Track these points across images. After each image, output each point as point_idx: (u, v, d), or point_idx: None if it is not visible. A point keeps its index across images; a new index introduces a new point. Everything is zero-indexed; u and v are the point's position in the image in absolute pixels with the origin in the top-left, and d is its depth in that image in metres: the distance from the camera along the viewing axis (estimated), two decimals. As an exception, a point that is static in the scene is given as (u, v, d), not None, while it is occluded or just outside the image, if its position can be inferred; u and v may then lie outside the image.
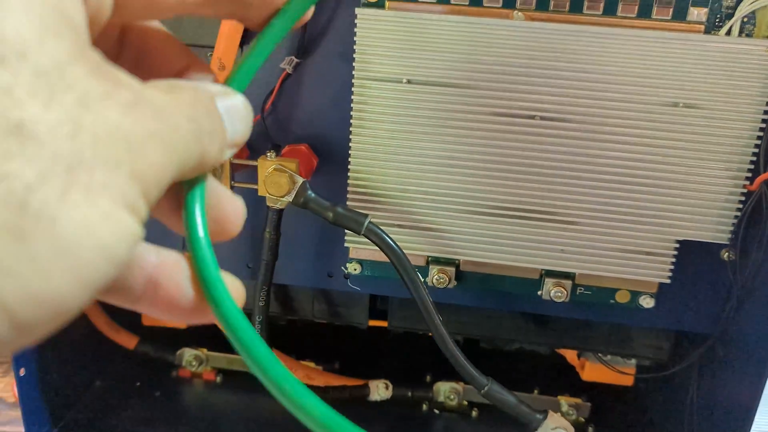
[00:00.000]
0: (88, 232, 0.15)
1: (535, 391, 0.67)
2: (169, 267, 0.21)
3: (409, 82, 0.48)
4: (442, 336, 0.49)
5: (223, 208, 0.23)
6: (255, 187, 0.50)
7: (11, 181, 0.14)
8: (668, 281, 0.51)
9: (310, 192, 0.48)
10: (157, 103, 0.17)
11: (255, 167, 0.49)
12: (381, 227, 0.50)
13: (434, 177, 0.50)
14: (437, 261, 0.54)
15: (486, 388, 0.50)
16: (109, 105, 0.16)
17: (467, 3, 0.47)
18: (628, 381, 0.64)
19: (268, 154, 0.49)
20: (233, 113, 0.21)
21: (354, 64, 0.48)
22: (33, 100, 0.15)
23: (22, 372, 0.56)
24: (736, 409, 0.51)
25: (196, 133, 0.19)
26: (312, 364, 0.68)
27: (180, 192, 0.21)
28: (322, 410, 0.19)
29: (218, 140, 0.20)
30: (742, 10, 0.45)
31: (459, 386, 0.67)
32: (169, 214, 0.22)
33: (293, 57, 0.51)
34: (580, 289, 0.54)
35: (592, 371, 0.65)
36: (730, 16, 0.45)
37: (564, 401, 0.66)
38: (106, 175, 0.16)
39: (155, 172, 0.17)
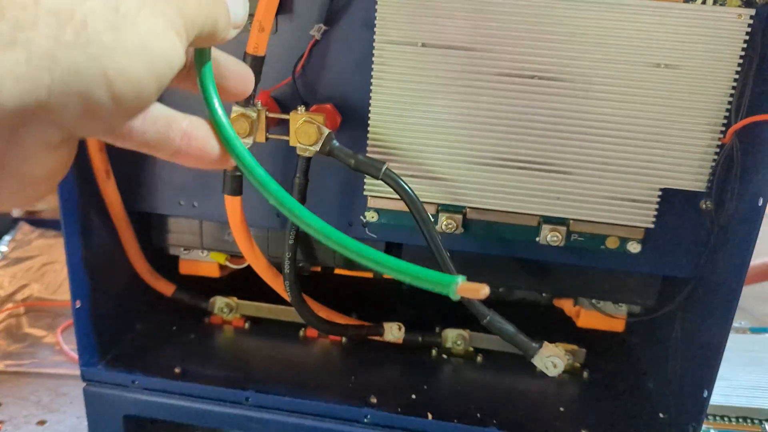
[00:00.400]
0: (154, 38, 0.22)
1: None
2: (196, 125, 0.28)
3: (423, 45, 0.55)
4: (451, 271, 0.55)
5: (232, 70, 0.30)
6: (287, 138, 0.56)
7: None
8: (652, 226, 0.57)
9: (335, 141, 0.55)
10: None
11: (287, 121, 0.56)
12: (398, 175, 0.57)
13: (444, 132, 0.57)
14: (446, 209, 0.61)
15: (488, 318, 0.56)
16: None
17: (475, -24, 0.54)
18: (619, 326, 0.70)
19: (299, 108, 0.56)
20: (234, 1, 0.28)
21: (375, 29, 0.55)
22: None
23: (78, 304, 0.63)
24: (711, 342, 0.57)
25: (211, 5, 0.25)
26: (334, 312, 0.74)
27: (191, 68, 0.29)
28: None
29: (224, 17, 0.27)
30: (716, -18, 0.51)
31: (465, 333, 0.73)
32: (183, 80, 0.29)
33: (321, 25, 0.58)
34: (574, 236, 0.60)
35: (587, 318, 0.71)
36: (706, -13, 0.52)
37: (561, 347, 0.72)
38: (162, 5, 0.22)
39: (191, 15, 0.24)
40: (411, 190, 0.55)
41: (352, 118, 0.61)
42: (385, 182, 0.55)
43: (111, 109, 0.21)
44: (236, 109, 0.55)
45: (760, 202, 0.50)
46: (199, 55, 0.28)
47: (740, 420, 0.78)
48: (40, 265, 1.09)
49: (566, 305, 0.75)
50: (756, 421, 0.78)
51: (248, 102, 0.55)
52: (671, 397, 0.64)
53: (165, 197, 0.67)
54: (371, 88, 0.57)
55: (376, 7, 0.54)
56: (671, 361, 0.64)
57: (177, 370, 0.67)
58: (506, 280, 0.68)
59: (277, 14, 0.58)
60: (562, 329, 0.74)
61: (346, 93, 0.60)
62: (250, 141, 0.56)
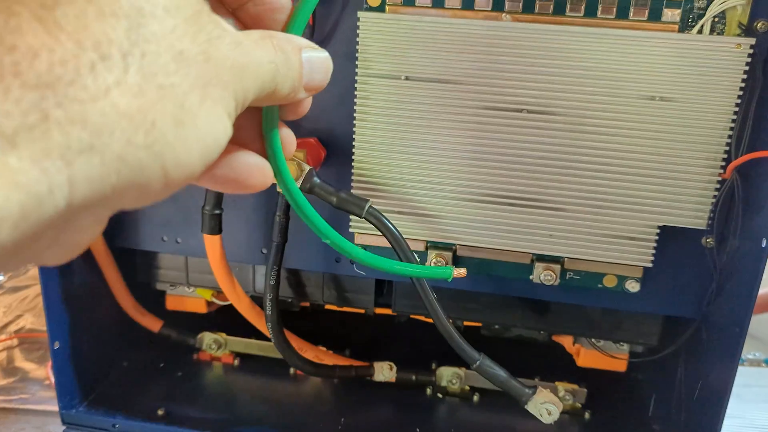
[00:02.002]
0: (211, 127, 0.23)
1: (537, 378, 0.70)
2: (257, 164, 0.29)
3: (407, 78, 0.53)
4: (436, 312, 0.53)
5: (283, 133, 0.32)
6: (267, 175, 0.54)
7: (174, 88, 0.22)
8: (650, 265, 0.54)
9: (316, 178, 0.53)
10: (249, 46, 0.25)
11: (267, 157, 0.54)
12: (382, 213, 0.54)
13: (431, 167, 0.55)
14: (435, 246, 0.58)
15: (477, 363, 0.54)
16: (223, 43, 0.24)
17: (460, 6, 0.52)
18: (621, 366, 0.67)
19: (279, 144, 0.54)
20: (314, 64, 0.28)
21: (357, 63, 0.53)
22: (185, 37, 0.22)
23: (56, 345, 0.62)
24: (715, 388, 0.54)
25: (273, 73, 0.26)
26: (323, 349, 0.72)
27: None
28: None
29: (290, 81, 0.27)
30: (713, 10, 0.48)
31: (461, 371, 0.71)
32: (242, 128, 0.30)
33: (303, 57, 0.56)
34: (570, 274, 0.57)
35: (587, 357, 0.68)
36: (702, 15, 0.49)
37: (561, 387, 0.69)
38: (221, 92, 0.23)
39: (245, 93, 0.25)
40: (395, 228, 0.52)
41: (336, 153, 0.59)
42: (369, 221, 0.53)
43: (161, 192, 0.23)
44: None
45: (764, 244, 0.47)
46: (267, 114, 0.29)
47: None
48: (35, 294, 1.08)
49: (566, 342, 0.72)
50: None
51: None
52: (676, 443, 0.61)
53: (148, 233, 0.65)
54: (354, 122, 0.55)
55: (358, 39, 0.52)
56: (675, 404, 0.61)
57: (160, 412, 0.65)
58: (501, 317, 0.65)
59: None
60: (562, 367, 0.71)
61: (330, 127, 0.58)
62: (229, 178, 0.54)
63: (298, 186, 0.53)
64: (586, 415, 0.68)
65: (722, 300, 0.54)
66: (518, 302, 0.64)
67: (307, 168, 0.53)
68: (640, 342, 0.63)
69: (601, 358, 0.67)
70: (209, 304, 0.74)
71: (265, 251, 0.63)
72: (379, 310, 0.71)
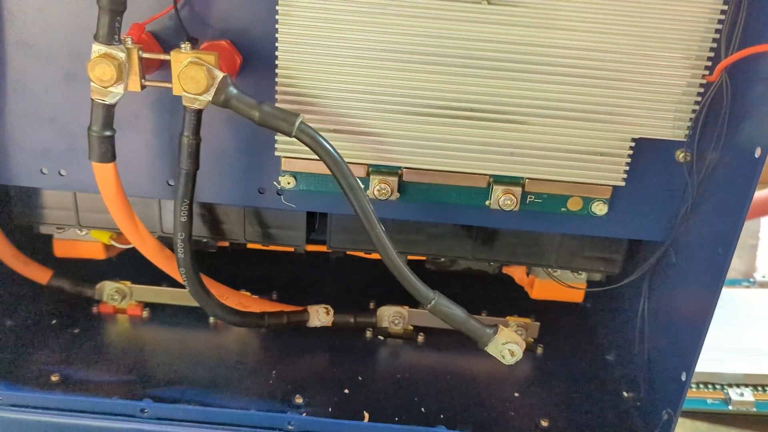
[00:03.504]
0: None
1: (483, 313, 0.65)
2: None
3: (341, -40, 0.43)
4: (386, 247, 0.44)
5: None
6: (169, 86, 0.43)
7: None
8: (622, 184, 0.48)
9: (231, 88, 0.43)
10: None
11: (168, 62, 0.43)
12: (316, 130, 0.45)
13: (372, 73, 0.46)
14: (378, 171, 0.49)
15: (433, 302, 0.46)
16: None
17: None
18: (578, 297, 0.62)
19: (183, 46, 0.43)
20: None
21: (278, -61, 0.42)
22: None
23: None
24: (691, 316, 0.49)
25: None
26: (247, 293, 0.63)
27: None
28: None
29: None
30: None
31: (404, 310, 0.64)
32: None
33: (208, -66, 0.44)
34: (531, 197, 0.50)
35: (541, 289, 0.62)
36: None
37: (512, 321, 0.64)
38: None
39: None
40: (333, 148, 0.43)
41: (255, 58, 0.48)
42: (300, 140, 0.43)
43: None
44: (97, 49, 0.41)
45: (758, 153, 0.41)
46: None
47: (701, 386, 0.72)
48: None
49: (517, 273, 0.66)
50: (718, 386, 0.72)
51: (112, 35, 0.41)
52: (640, 376, 0.56)
53: (22, 164, 0.52)
54: (277, 18, 0.44)
55: None
56: (639, 336, 0.56)
57: (54, 378, 0.55)
58: (449, 249, 0.58)
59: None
60: (512, 301, 0.66)
61: (246, 25, 0.47)
62: (119, 89, 0.43)
63: (210, 98, 0.43)
64: (539, 350, 0.63)
65: (699, 220, 0.49)
66: (468, 231, 0.57)
67: (220, 75, 0.43)
68: (602, 270, 0.58)
69: (557, 289, 0.61)
70: (108, 248, 0.63)
71: (172, 183, 0.53)
72: (309, 248, 0.62)
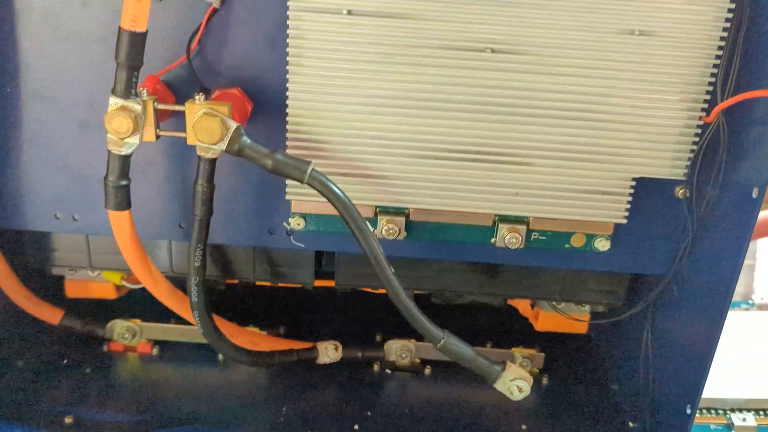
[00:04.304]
0: None
1: (489, 345, 0.66)
2: None
3: (350, 13, 0.44)
4: (395, 289, 0.45)
5: None
6: (183, 135, 0.45)
7: None
8: (624, 221, 0.49)
9: (245, 138, 0.44)
10: None
11: (182, 113, 0.44)
12: (327, 176, 0.46)
13: (380, 119, 0.47)
14: (386, 211, 0.51)
15: (442, 341, 0.47)
16: None
17: (410, -75, 0.43)
18: (582, 328, 0.63)
19: (197, 97, 0.44)
20: None
21: (288, -6, 0.44)
22: None
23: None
24: (694, 349, 0.50)
25: None
26: (256, 330, 0.64)
27: None
28: None
29: None
30: (698, -70, 0.42)
31: (411, 344, 0.64)
32: None
33: (220, -11, 0.46)
34: (535, 234, 0.52)
35: (546, 321, 0.63)
36: (686, -64, 0.43)
37: (518, 353, 0.65)
38: None
39: None
40: (343, 194, 0.44)
41: (265, 105, 0.49)
42: (312, 186, 0.44)
43: None
44: (114, 102, 0.43)
45: (755, 194, 0.43)
46: None
47: (704, 411, 0.73)
48: None
49: (521, 304, 0.67)
50: (720, 412, 0.73)
51: (129, 89, 0.43)
52: (645, 406, 0.57)
53: (37, 210, 0.53)
54: (288, 67, 0.46)
55: (288, -36, 0.43)
56: (643, 367, 0.57)
57: (68, 420, 0.55)
58: (456, 285, 0.59)
59: None
60: (518, 332, 0.67)
61: (257, 73, 0.49)
62: (135, 140, 0.44)
63: (224, 148, 0.44)
64: (544, 381, 0.64)
65: (699, 254, 0.50)
66: (474, 267, 0.58)
67: (234, 125, 0.44)
68: (606, 303, 0.59)
69: (561, 321, 0.62)
70: (119, 287, 0.63)
71: (183, 225, 0.54)
72: (317, 282, 0.63)
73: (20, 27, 0.48)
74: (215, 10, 0.47)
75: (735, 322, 0.88)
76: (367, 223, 0.45)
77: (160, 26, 0.47)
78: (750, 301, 0.93)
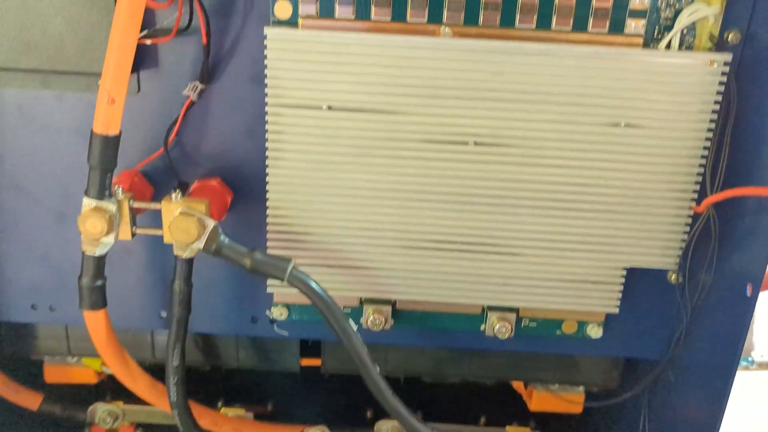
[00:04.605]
0: None
1: (482, 421, 0.64)
2: None
3: (330, 108, 0.43)
4: (381, 390, 0.44)
5: None
6: (160, 233, 0.43)
7: None
8: (616, 311, 0.48)
9: (223, 237, 0.43)
10: None
11: (159, 212, 0.43)
12: (308, 269, 0.45)
13: (362, 210, 0.46)
14: (372, 300, 0.49)
15: (431, 442, 0.45)
16: None
17: (389, 18, 0.43)
18: (577, 409, 0.61)
19: (173, 195, 0.43)
20: None
21: (266, 90, 0.43)
22: None
23: None
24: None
25: None
26: (242, 411, 0.62)
27: None
28: None
29: None
30: (682, 22, 0.42)
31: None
32: None
33: (197, 83, 0.45)
34: (525, 321, 0.50)
35: (540, 400, 0.61)
36: (669, 27, 0.42)
37: (512, 431, 0.63)
38: None
39: None
40: (325, 294, 0.43)
41: (245, 195, 0.48)
42: (293, 285, 0.43)
43: None
44: (87, 203, 0.42)
45: (749, 292, 0.41)
46: None
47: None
48: None
49: (515, 382, 0.65)
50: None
51: (103, 191, 0.41)
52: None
53: (13, 301, 0.52)
54: (267, 162, 0.45)
55: (266, 62, 0.42)
56: (640, 451, 0.56)
57: None
58: (443, 368, 0.58)
59: (137, 70, 0.45)
60: (511, 409, 0.65)
61: (236, 164, 0.48)
62: (110, 239, 0.43)
63: (201, 247, 0.43)
64: (541, 460, 0.62)
65: (695, 343, 0.49)
66: (464, 351, 0.57)
67: (212, 224, 0.43)
68: (600, 385, 0.57)
69: (555, 401, 0.60)
70: (99, 373, 0.62)
71: (164, 314, 0.52)
72: (305, 362, 0.61)
73: (-5, 120, 0.47)
74: (192, 103, 0.46)
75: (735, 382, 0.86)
76: (350, 323, 0.43)
77: (137, 117, 0.46)
78: (750, 359, 0.92)
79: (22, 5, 0.42)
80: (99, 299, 0.45)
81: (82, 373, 0.61)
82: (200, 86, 0.45)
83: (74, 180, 0.48)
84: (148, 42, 0.43)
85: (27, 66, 0.44)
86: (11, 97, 0.46)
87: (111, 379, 0.64)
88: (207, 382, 0.59)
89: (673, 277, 0.49)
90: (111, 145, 0.40)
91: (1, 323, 0.56)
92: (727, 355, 0.44)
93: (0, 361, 0.58)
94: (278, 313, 0.50)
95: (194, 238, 0.42)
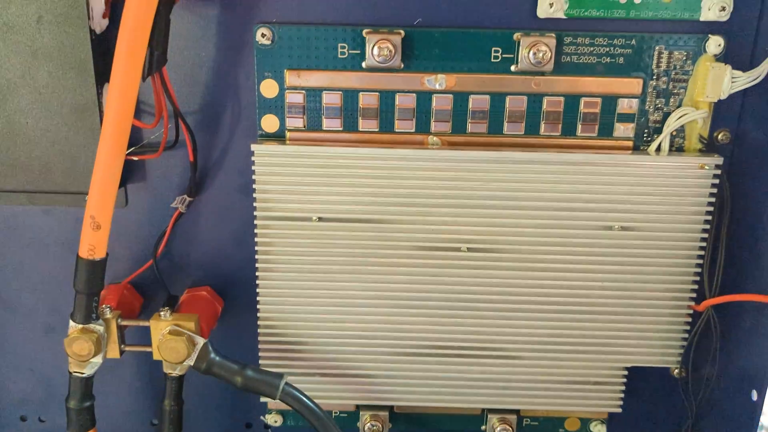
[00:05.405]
0: None
1: None
2: None
3: (320, 219, 0.43)
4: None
5: None
6: (150, 350, 0.42)
7: None
8: (619, 410, 0.47)
9: (213, 355, 0.42)
10: None
11: (147, 327, 0.42)
12: (302, 378, 0.44)
13: (356, 318, 0.45)
14: (369, 406, 0.48)
15: None
16: None
17: (377, 129, 0.42)
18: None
19: (162, 312, 0.42)
20: None
21: (255, 204, 0.42)
22: None
23: None
24: None
25: None
26: None
27: None
28: None
29: None
30: (671, 126, 0.41)
31: None
32: None
33: (185, 196, 0.44)
34: (527, 420, 0.49)
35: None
36: (659, 129, 0.42)
37: None
38: None
39: None
40: (320, 410, 0.42)
41: (236, 302, 0.48)
42: (286, 402, 0.42)
43: None
44: (74, 326, 0.41)
45: (755, 397, 0.40)
46: None
47: None
48: None
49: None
50: None
51: (89, 314, 0.40)
52: None
53: (1, 413, 0.51)
54: (257, 273, 0.44)
55: (254, 177, 0.42)
56: None
57: None
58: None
59: (125, 184, 0.45)
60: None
61: (227, 272, 0.47)
62: (98, 360, 0.42)
63: (191, 364, 0.42)
64: None
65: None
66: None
67: (201, 342, 0.42)
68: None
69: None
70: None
71: (155, 422, 0.51)
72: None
73: (-19, 237, 0.46)
74: (181, 214, 0.45)
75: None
76: (346, 438, 0.42)
77: (125, 231, 0.46)
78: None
79: (9, 127, 0.42)
80: (87, 421, 0.43)
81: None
82: (188, 199, 0.45)
83: (62, 293, 0.47)
84: (135, 158, 0.43)
85: (14, 186, 0.43)
86: (-2, 213, 0.46)
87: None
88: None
89: (676, 372, 0.48)
90: (97, 269, 0.40)
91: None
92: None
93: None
94: (273, 420, 0.49)
95: (184, 357, 0.41)
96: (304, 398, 0.42)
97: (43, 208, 0.46)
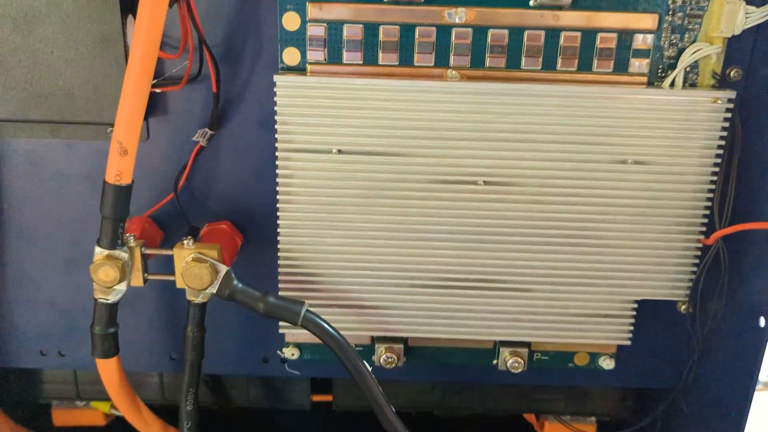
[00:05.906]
0: None
1: (494, 452, 0.64)
2: None
3: (339, 152, 0.43)
4: (397, 431, 0.44)
5: None
6: (173, 278, 0.43)
7: None
8: (628, 343, 0.48)
9: (236, 282, 0.43)
10: None
11: (171, 256, 0.43)
12: (320, 309, 0.45)
13: (373, 251, 0.46)
14: (384, 338, 0.49)
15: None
16: None
17: (397, 63, 0.43)
18: (589, 437, 0.61)
19: (185, 241, 0.43)
20: None
21: (276, 135, 0.43)
22: None
23: None
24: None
25: None
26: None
27: None
28: None
29: None
30: (685, 61, 0.42)
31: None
32: None
33: (206, 129, 0.45)
34: (537, 355, 0.50)
35: (552, 431, 0.61)
36: (673, 65, 0.43)
37: (524, 462, 0.62)
38: None
39: None
40: (340, 335, 0.43)
41: (255, 237, 0.49)
42: (306, 328, 0.43)
43: None
44: (99, 251, 0.41)
45: (762, 323, 0.42)
46: None
47: None
48: None
49: (527, 414, 0.65)
50: None
51: (115, 240, 0.41)
52: None
53: (21, 347, 0.52)
54: (278, 205, 0.45)
55: (276, 108, 0.43)
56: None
57: None
58: (455, 403, 0.57)
59: (147, 117, 0.45)
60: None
61: (246, 207, 0.48)
62: (122, 287, 0.43)
63: (214, 292, 0.43)
64: (553, 490, 0.62)
65: (707, 371, 0.49)
66: (478, 385, 0.57)
67: (224, 269, 0.43)
68: (612, 415, 0.57)
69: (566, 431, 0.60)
70: (107, 414, 0.61)
71: (174, 356, 0.52)
72: (315, 397, 0.61)
73: (4, 169, 0.47)
74: (202, 148, 0.46)
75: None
76: (364, 364, 0.43)
77: (147, 163, 0.46)
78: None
79: (33, 58, 0.42)
80: (112, 347, 0.44)
81: (91, 415, 0.61)
82: (210, 132, 0.45)
83: (83, 226, 0.48)
84: (158, 90, 0.44)
85: (37, 117, 0.44)
86: (21, 145, 0.46)
87: (120, 420, 0.64)
88: (218, 421, 0.59)
89: (683, 307, 0.49)
90: (123, 194, 0.40)
91: (10, 369, 0.55)
92: (741, 385, 0.44)
93: (8, 406, 0.57)
94: (290, 353, 0.50)
95: (207, 284, 0.42)
96: (325, 324, 0.43)
97: (66, 141, 0.46)
